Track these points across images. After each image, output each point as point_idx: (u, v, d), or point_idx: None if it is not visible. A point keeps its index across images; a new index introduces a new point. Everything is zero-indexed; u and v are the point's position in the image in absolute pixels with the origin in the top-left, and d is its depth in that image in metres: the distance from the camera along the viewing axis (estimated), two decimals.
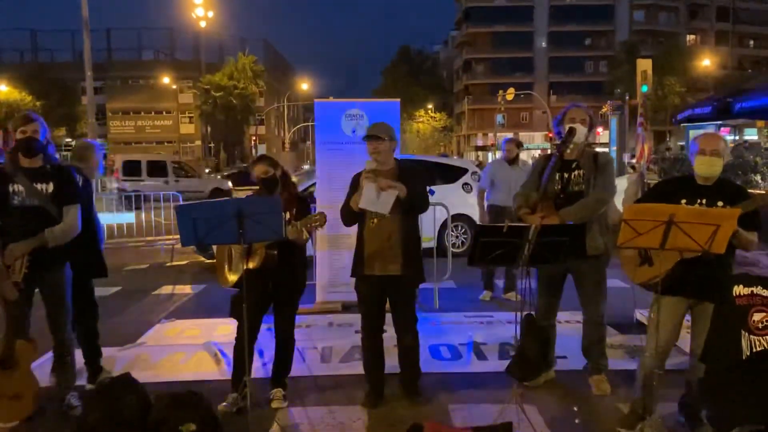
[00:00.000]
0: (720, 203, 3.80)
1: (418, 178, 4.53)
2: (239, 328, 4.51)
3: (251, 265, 4.24)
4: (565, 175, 4.59)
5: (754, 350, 3.48)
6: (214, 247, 4.97)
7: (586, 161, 4.58)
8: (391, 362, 4.75)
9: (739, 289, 3.56)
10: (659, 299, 3.94)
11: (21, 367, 4.21)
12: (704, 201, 3.85)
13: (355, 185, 4.51)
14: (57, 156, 4.59)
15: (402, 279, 4.47)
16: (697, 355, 3.96)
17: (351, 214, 4.51)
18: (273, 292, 4.58)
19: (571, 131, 4.53)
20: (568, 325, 6.16)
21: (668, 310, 3.94)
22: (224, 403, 4.41)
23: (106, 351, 5.86)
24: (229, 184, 28.57)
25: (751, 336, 3.49)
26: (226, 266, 4.66)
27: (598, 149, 5.05)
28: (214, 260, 4.90)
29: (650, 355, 4.05)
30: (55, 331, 4.48)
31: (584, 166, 4.56)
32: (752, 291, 3.53)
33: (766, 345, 3.51)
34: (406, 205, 4.37)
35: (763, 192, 10.81)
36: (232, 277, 4.57)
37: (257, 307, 4.38)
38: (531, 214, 4.51)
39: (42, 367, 4.84)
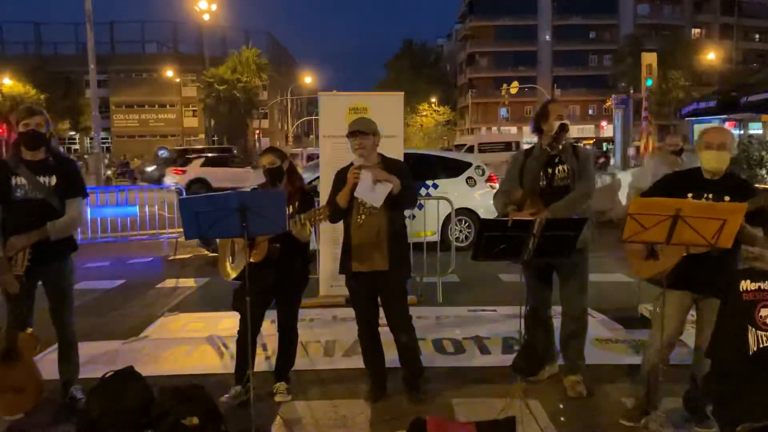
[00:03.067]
0: (727, 198, 3.77)
1: (405, 174, 4.49)
2: (242, 322, 4.51)
3: (254, 259, 4.23)
4: (549, 171, 4.60)
5: (761, 346, 3.45)
6: (218, 241, 4.95)
7: (568, 155, 4.59)
8: (394, 356, 4.74)
9: (746, 284, 3.53)
10: (664, 293, 3.92)
11: (24, 360, 4.21)
12: (711, 195, 3.82)
13: (339, 181, 4.51)
14: (60, 149, 4.57)
15: (389, 274, 4.46)
16: (703, 350, 3.95)
17: (337, 210, 4.49)
18: (275, 286, 4.56)
19: (564, 127, 4.52)
20: None
21: (673, 304, 3.93)
22: (226, 395, 4.40)
23: (109, 344, 5.90)
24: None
25: (758, 331, 3.46)
26: (229, 259, 4.64)
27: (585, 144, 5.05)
28: (218, 253, 4.88)
29: (654, 349, 4.04)
30: (59, 324, 4.49)
31: (567, 160, 4.58)
32: (759, 286, 3.49)
33: None
34: (395, 199, 4.37)
35: None
36: (234, 271, 4.55)
37: (260, 301, 4.37)
38: (519, 211, 4.49)
39: (45, 360, 4.84)
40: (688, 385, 4.16)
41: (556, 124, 4.52)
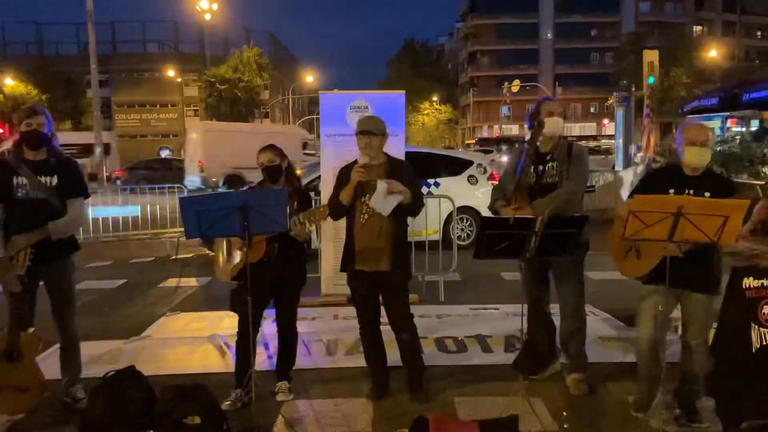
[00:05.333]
0: (707, 194, 3.81)
1: (412, 179, 4.49)
2: (240, 323, 4.50)
3: (251, 259, 4.21)
4: (540, 168, 4.61)
5: (764, 343, 3.45)
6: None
7: (560, 153, 4.59)
8: (396, 355, 4.73)
9: (748, 282, 3.53)
10: (648, 290, 4.01)
11: (26, 360, 4.21)
12: (692, 192, 3.85)
13: (342, 179, 4.50)
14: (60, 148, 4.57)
15: (390, 275, 4.46)
16: (691, 345, 3.97)
17: (340, 208, 4.49)
18: (273, 286, 4.55)
19: (540, 124, 4.54)
20: None
21: (657, 301, 3.97)
22: (227, 402, 4.39)
23: (111, 344, 5.90)
24: None
25: (761, 329, 3.46)
26: (223, 260, 4.62)
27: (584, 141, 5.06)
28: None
29: (646, 343, 4.09)
30: (61, 324, 4.49)
31: (558, 158, 4.57)
32: (762, 283, 3.49)
33: None
34: (404, 210, 4.39)
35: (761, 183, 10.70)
36: (229, 272, 4.53)
37: (257, 301, 4.35)
38: (506, 206, 4.53)
39: (47, 360, 4.84)
40: (678, 381, 4.16)
41: (550, 120, 4.54)
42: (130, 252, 11.53)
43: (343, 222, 4.62)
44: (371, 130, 4.41)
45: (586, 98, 71.90)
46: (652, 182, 4.12)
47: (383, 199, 4.28)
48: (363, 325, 4.67)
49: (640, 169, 14.39)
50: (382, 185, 4.28)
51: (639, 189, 4.12)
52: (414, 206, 4.46)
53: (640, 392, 4.23)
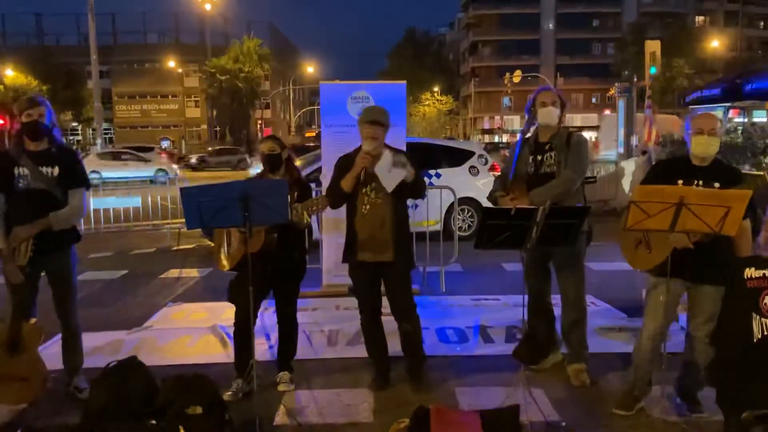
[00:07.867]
0: (716, 184, 3.76)
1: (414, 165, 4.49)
2: (237, 313, 4.50)
3: (250, 249, 4.20)
4: (538, 157, 4.61)
5: (765, 333, 3.45)
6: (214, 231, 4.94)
7: (559, 143, 4.58)
8: (397, 345, 4.74)
9: (750, 272, 3.52)
10: (657, 282, 3.97)
11: (28, 351, 4.21)
12: (701, 182, 3.80)
13: (343, 167, 4.50)
14: (63, 140, 4.56)
15: (394, 265, 4.46)
16: (695, 336, 3.96)
17: (341, 196, 4.48)
18: (273, 276, 4.55)
19: (534, 114, 4.57)
20: None
21: (665, 292, 3.93)
22: (229, 392, 4.40)
23: (113, 334, 5.91)
24: None
25: (763, 319, 3.45)
26: (224, 250, 4.62)
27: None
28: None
29: (646, 336, 4.07)
30: (63, 315, 4.50)
31: (557, 147, 4.57)
32: (764, 273, 3.48)
33: None
34: (406, 190, 4.38)
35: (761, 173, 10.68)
36: (229, 261, 4.53)
37: (256, 291, 4.34)
38: (505, 196, 4.55)
39: (49, 350, 4.85)
40: (680, 371, 4.16)
41: (543, 110, 4.54)
42: (131, 243, 11.53)
43: (343, 212, 4.62)
44: (381, 121, 4.40)
45: (587, 89, 71.77)
46: (659, 173, 4.07)
47: (387, 172, 4.27)
48: (365, 316, 4.68)
49: (642, 160, 14.35)
50: (388, 154, 4.27)
51: (647, 180, 4.10)
52: (416, 186, 4.44)
53: (630, 383, 4.20)
